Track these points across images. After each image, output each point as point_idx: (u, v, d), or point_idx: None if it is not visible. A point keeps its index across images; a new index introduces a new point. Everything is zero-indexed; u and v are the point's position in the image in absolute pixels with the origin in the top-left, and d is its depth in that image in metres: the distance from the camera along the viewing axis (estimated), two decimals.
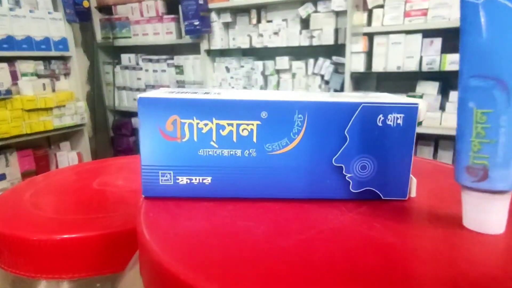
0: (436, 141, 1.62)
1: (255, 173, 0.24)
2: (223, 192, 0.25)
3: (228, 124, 0.24)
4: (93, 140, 2.34)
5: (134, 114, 2.32)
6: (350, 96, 0.25)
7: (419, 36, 1.50)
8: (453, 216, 0.22)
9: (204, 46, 1.99)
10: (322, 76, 1.76)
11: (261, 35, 1.84)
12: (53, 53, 1.90)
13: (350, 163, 0.24)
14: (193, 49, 2.06)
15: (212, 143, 0.24)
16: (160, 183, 0.25)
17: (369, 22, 1.61)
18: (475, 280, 0.16)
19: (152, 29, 2.15)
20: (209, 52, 2.02)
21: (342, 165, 0.24)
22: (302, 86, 1.80)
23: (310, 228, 0.21)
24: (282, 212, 0.23)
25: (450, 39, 1.47)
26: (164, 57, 2.18)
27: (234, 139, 0.24)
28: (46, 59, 1.91)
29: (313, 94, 0.26)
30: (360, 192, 0.25)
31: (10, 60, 1.74)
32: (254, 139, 0.24)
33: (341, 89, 1.71)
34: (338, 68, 1.73)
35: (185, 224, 0.21)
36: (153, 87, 2.20)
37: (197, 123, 0.24)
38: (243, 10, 1.89)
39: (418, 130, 0.24)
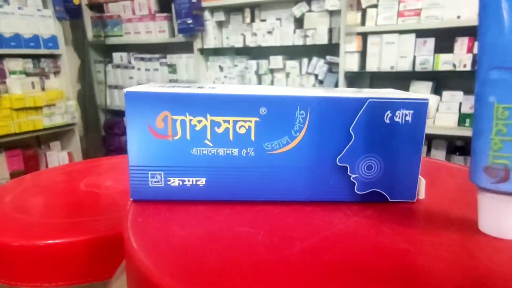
0: (429, 140, 1.62)
1: (253, 174, 0.23)
2: (219, 195, 0.23)
3: (224, 121, 0.22)
4: (84, 140, 2.30)
5: None
6: (355, 92, 0.24)
7: (412, 36, 1.50)
8: (466, 220, 0.21)
9: (197, 45, 1.96)
10: (316, 76, 1.75)
11: (254, 34, 1.82)
12: (42, 51, 1.87)
13: (355, 163, 0.23)
14: (186, 48, 2.03)
15: (206, 141, 0.22)
16: (150, 185, 0.23)
17: (363, 22, 1.61)
18: None
19: (145, 27, 2.12)
20: (203, 51, 2.00)
21: (347, 165, 0.23)
22: (296, 85, 1.78)
23: (314, 234, 0.19)
24: (282, 216, 0.21)
25: (443, 39, 1.48)
26: (156, 55, 2.15)
27: (231, 137, 0.22)
28: (35, 57, 1.88)
29: (316, 90, 0.24)
30: (366, 194, 0.23)
31: None
32: (252, 137, 0.22)
33: None
34: (332, 68, 1.72)
35: (177, 231, 0.19)
36: None
37: (190, 120, 0.22)
38: (237, 9, 1.87)
39: None
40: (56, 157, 2.04)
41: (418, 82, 1.57)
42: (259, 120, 0.22)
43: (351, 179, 0.23)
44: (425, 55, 1.50)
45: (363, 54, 1.64)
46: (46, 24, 1.87)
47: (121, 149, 2.33)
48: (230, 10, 1.90)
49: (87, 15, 2.31)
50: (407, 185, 0.23)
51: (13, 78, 1.76)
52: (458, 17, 1.42)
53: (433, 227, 0.20)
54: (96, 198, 0.36)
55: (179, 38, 2.01)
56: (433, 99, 0.22)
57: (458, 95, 1.44)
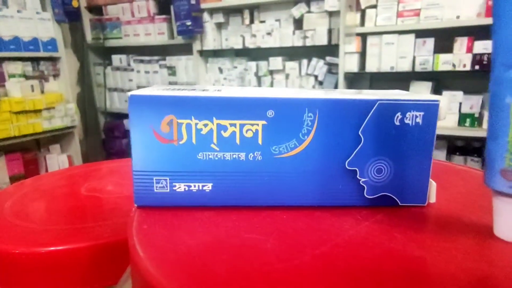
0: None
1: (261, 179, 0.22)
2: (226, 200, 0.22)
3: (231, 125, 0.21)
4: (84, 143, 2.30)
5: (126, 116, 2.27)
6: (364, 93, 0.23)
7: (411, 36, 1.50)
8: (480, 224, 0.20)
9: (196, 46, 1.96)
10: (316, 77, 1.75)
11: (254, 36, 1.81)
12: (41, 53, 1.86)
13: (365, 167, 0.22)
14: (185, 49, 2.03)
15: (212, 145, 0.22)
16: (155, 190, 0.22)
17: (362, 23, 1.60)
18: None
19: (144, 29, 2.11)
20: (202, 53, 1.99)
21: (356, 168, 0.22)
22: (296, 86, 1.78)
23: (324, 241, 0.19)
24: (291, 221, 0.21)
25: (443, 39, 1.47)
26: (156, 58, 2.14)
27: (237, 141, 0.22)
28: (35, 60, 1.87)
29: (323, 91, 0.24)
30: (376, 198, 0.23)
31: None
32: (260, 141, 0.22)
33: None
34: (332, 69, 1.72)
35: (184, 238, 0.19)
36: None
37: (196, 124, 0.21)
38: (236, 11, 1.87)
39: None
40: (56, 160, 2.03)
41: (418, 83, 1.57)
42: (267, 123, 0.21)
43: (361, 183, 0.22)
44: (424, 55, 1.50)
45: (362, 54, 1.64)
46: (45, 27, 1.86)
47: (122, 152, 2.32)
48: (229, 11, 1.89)
49: (86, 17, 2.30)
50: (417, 188, 0.23)
51: (13, 81, 1.76)
52: (458, 17, 1.41)
53: (447, 233, 0.20)
54: (98, 203, 0.36)
55: (178, 40, 2.01)
56: (443, 101, 0.21)
57: (458, 95, 1.44)
